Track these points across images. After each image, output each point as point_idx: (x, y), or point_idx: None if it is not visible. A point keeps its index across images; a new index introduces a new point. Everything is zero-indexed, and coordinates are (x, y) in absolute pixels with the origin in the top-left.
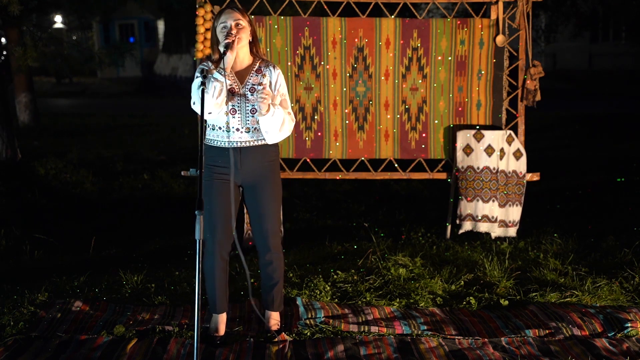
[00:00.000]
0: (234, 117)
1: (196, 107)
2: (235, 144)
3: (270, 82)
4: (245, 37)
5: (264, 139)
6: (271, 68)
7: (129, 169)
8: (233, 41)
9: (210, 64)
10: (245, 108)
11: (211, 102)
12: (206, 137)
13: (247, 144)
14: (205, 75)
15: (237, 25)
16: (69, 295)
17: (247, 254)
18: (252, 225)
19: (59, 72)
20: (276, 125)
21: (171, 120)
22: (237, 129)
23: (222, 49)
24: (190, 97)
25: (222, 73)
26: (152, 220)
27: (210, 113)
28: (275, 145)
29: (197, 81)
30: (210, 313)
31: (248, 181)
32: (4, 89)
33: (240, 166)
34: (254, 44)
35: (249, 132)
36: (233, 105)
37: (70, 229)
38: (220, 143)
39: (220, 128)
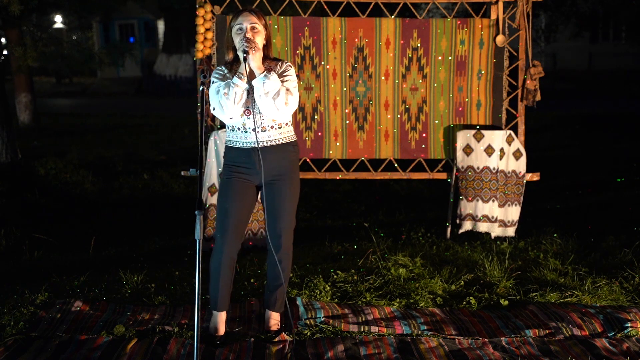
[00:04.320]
0: (249, 118)
1: (216, 112)
2: (253, 144)
3: (276, 72)
4: (260, 40)
5: (281, 137)
6: (279, 62)
7: (129, 169)
8: (251, 48)
9: (224, 68)
10: (259, 108)
11: (233, 109)
12: (226, 138)
13: (265, 143)
14: (205, 76)
15: (252, 28)
16: (69, 295)
17: (247, 253)
18: (267, 223)
19: (59, 72)
20: (270, 90)
21: (171, 120)
22: (254, 129)
23: (241, 55)
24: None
25: (242, 78)
26: (152, 220)
27: (231, 118)
28: (295, 144)
29: (214, 86)
30: (209, 312)
31: (267, 180)
32: (3, 89)
33: (259, 166)
34: (266, 48)
35: (265, 131)
36: (247, 107)
37: (70, 229)
38: (239, 144)
39: (238, 129)
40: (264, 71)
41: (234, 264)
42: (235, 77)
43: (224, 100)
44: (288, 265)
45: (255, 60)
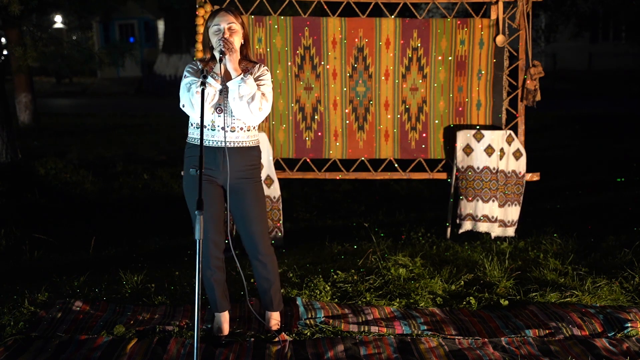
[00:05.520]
0: (219, 117)
1: (186, 109)
2: (219, 144)
3: (252, 75)
4: (237, 40)
5: (247, 140)
6: (257, 65)
7: (129, 169)
8: (228, 49)
9: (199, 64)
10: (230, 108)
11: (204, 107)
12: (189, 135)
13: (231, 144)
14: (205, 75)
15: (230, 28)
16: (69, 295)
17: (247, 254)
18: (239, 230)
19: (59, 72)
20: (245, 94)
21: (171, 120)
22: (222, 128)
23: (217, 55)
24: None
25: (216, 78)
26: (152, 220)
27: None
28: (258, 149)
29: (185, 81)
30: (211, 313)
31: (231, 184)
32: (3, 89)
33: (222, 167)
34: (244, 47)
35: (234, 131)
36: (219, 105)
37: (70, 229)
38: (205, 142)
39: (205, 126)
40: (240, 73)
41: (223, 263)
42: (209, 77)
43: (195, 99)
44: (273, 265)
45: (231, 62)
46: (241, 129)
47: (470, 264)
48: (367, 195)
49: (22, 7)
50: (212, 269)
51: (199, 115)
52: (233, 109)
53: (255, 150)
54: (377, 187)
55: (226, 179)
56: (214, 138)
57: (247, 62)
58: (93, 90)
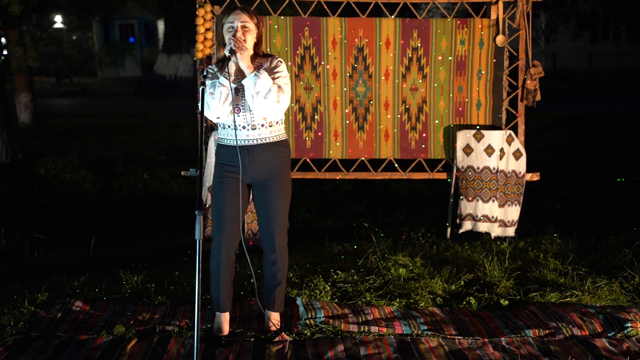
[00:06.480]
0: (239, 116)
1: (205, 113)
2: (242, 142)
3: (266, 69)
4: (250, 39)
5: (271, 136)
6: (270, 58)
7: (129, 169)
8: (238, 47)
9: (214, 67)
10: (249, 106)
11: (219, 108)
12: (218, 135)
13: (255, 142)
14: (205, 75)
15: (243, 27)
16: (69, 295)
17: (248, 253)
18: (260, 224)
19: (59, 72)
20: (261, 89)
21: (171, 120)
22: (244, 127)
23: (227, 53)
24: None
25: (228, 77)
26: (152, 220)
27: (218, 117)
28: (286, 144)
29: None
30: (211, 313)
31: (257, 180)
32: (3, 89)
33: (248, 165)
34: (258, 46)
35: (255, 129)
36: (237, 104)
37: (70, 229)
38: (229, 141)
39: (229, 126)
40: (253, 70)
41: (233, 263)
42: (221, 77)
43: (210, 100)
44: (284, 265)
45: (243, 60)
46: (262, 125)
47: (470, 264)
48: (367, 195)
49: (22, 7)
50: (222, 268)
51: (215, 117)
52: (251, 106)
53: (281, 145)
54: (377, 187)
55: (250, 177)
56: (236, 137)
57: (261, 58)
58: (93, 90)
